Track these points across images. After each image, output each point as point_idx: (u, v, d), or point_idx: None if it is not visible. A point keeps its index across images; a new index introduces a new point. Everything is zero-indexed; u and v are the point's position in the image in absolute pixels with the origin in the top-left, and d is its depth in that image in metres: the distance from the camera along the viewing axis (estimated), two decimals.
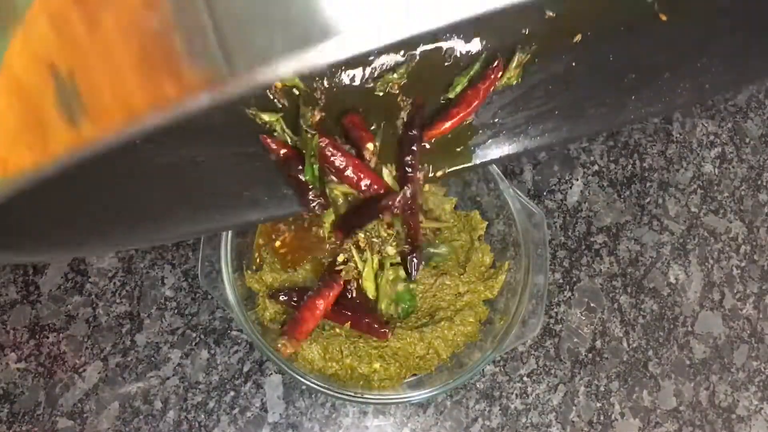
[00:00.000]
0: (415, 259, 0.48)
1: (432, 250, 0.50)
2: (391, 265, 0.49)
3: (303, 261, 0.50)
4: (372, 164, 0.43)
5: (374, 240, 0.48)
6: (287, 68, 0.16)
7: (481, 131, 0.41)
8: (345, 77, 0.41)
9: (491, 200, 0.50)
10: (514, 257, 0.48)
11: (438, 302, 0.49)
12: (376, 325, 0.46)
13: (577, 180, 0.59)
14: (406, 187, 0.41)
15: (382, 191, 0.42)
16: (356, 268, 0.48)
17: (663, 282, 0.56)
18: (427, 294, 0.49)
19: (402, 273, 0.48)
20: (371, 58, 0.41)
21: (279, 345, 0.45)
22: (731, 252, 0.58)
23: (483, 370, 0.52)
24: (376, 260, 0.48)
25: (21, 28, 0.20)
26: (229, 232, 0.45)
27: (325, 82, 0.41)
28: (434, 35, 0.41)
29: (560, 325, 0.54)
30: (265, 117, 0.39)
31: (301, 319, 0.45)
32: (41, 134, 0.19)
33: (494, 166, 0.48)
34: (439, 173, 0.42)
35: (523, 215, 0.47)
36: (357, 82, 0.41)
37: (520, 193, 0.47)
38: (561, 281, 0.56)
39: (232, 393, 0.50)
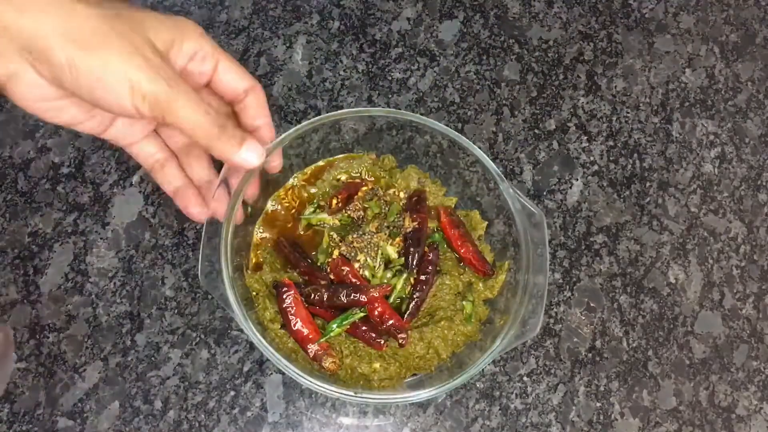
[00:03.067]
0: (417, 254, 0.48)
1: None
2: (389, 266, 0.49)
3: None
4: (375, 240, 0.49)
5: (374, 243, 0.49)
6: None
7: None
8: None
9: (491, 200, 0.50)
10: (514, 257, 0.48)
11: (438, 302, 0.49)
12: (373, 334, 0.46)
13: (577, 180, 0.59)
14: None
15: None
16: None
17: (663, 282, 0.56)
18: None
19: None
20: None
21: (327, 365, 0.45)
22: (731, 252, 0.58)
23: (483, 370, 0.52)
24: (381, 266, 0.48)
25: None
26: (229, 232, 0.45)
27: None
28: None
29: (560, 325, 0.54)
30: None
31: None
32: None
33: (494, 165, 0.48)
34: None
35: (523, 215, 0.47)
36: None
37: (520, 194, 0.47)
38: (561, 281, 0.56)
39: (232, 393, 0.50)
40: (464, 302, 0.48)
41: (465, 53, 0.62)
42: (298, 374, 0.43)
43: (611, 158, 0.60)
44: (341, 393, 0.43)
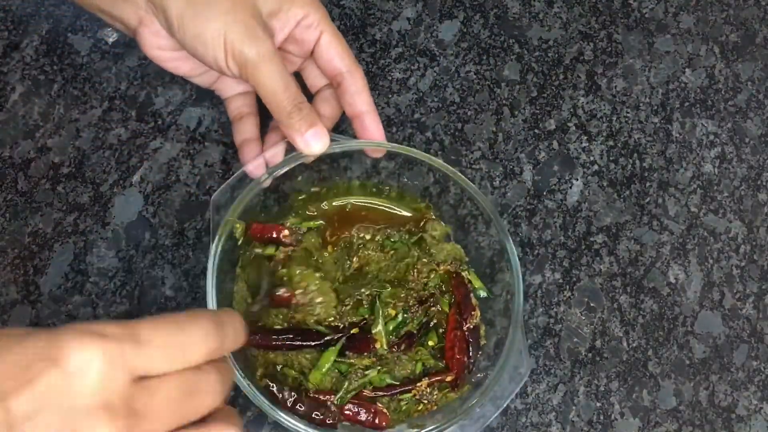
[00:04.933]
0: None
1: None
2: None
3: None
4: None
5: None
6: None
7: None
8: None
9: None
10: (475, 382, 0.46)
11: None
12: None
13: (577, 180, 0.59)
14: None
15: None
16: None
17: (663, 282, 0.57)
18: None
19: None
20: None
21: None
22: (731, 252, 0.58)
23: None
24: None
25: None
26: (252, 191, 0.45)
27: None
28: None
29: (560, 325, 0.54)
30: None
31: None
32: None
33: (521, 304, 0.46)
34: None
35: (512, 360, 0.45)
36: None
37: (526, 345, 0.46)
38: (561, 281, 0.56)
39: (232, 392, 0.50)
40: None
41: (465, 53, 0.62)
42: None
43: (611, 158, 0.60)
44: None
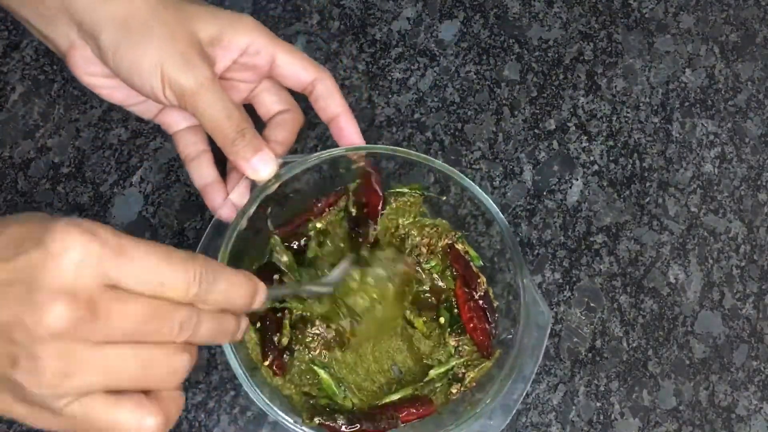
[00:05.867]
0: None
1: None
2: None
3: None
4: None
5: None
6: None
7: None
8: None
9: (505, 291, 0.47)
10: (503, 353, 0.45)
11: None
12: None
13: (577, 180, 0.59)
14: None
15: None
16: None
17: (663, 282, 0.57)
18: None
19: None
20: None
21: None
22: (731, 252, 0.58)
23: None
24: None
25: None
26: (232, 238, 0.43)
27: None
28: None
29: (560, 325, 0.54)
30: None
31: None
32: None
33: (521, 254, 0.45)
34: None
35: (532, 311, 0.44)
36: None
37: (537, 289, 0.45)
38: (561, 281, 0.56)
39: (232, 393, 0.50)
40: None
41: (465, 53, 0.62)
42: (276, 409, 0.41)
43: (611, 158, 0.60)
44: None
